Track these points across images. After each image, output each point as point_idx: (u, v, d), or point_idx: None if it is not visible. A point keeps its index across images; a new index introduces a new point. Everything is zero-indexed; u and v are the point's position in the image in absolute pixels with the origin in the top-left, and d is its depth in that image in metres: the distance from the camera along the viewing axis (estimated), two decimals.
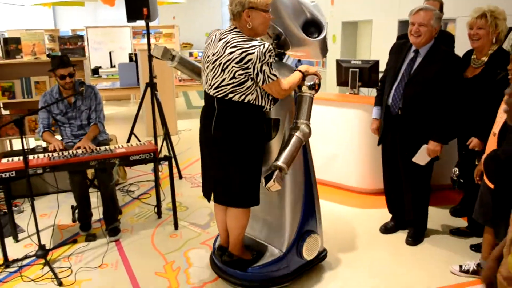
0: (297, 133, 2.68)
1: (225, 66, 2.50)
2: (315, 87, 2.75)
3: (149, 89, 4.89)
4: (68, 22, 15.63)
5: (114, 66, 10.04)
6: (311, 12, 2.86)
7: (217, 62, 2.55)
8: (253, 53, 2.42)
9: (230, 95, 2.54)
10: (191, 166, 5.57)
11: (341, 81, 4.73)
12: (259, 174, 2.71)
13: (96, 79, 8.74)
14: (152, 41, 10.75)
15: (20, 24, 12.80)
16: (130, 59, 8.97)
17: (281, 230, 2.95)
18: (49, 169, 3.29)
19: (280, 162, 2.61)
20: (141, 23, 4.79)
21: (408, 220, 3.57)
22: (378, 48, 7.28)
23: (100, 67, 9.48)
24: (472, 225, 3.54)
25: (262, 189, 2.75)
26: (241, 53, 2.44)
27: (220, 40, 2.57)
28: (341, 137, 4.42)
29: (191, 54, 14.11)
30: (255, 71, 2.46)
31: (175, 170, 4.95)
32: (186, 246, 3.53)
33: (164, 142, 5.05)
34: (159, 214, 4.07)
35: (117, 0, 12.32)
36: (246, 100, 2.54)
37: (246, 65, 2.45)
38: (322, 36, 2.84)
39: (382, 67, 4.51)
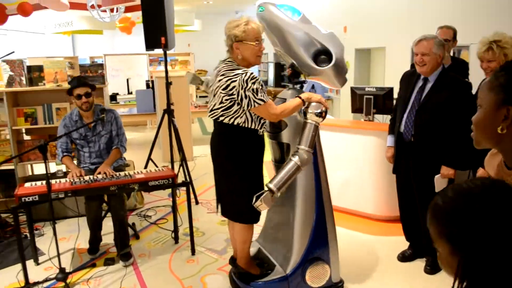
0: (295, 159, 2.78)
1: (215, 92, 2.82)
2: (321, 115, 2.82)
3: (166, 115, 5.00)
4: (87, 50, 16.04)
5: (131, 93, 10.23)
6: (321, 42, 2.95)
7: (211, 89, 2.89)
8: (235, 80, 2.69)
9: (220, 118, 2.81)
10: (207, 191, 5.62)
11: (356, 108, 4.79)
12: (256, 193, 2.79)
13: (114, 105, 8.91)
14: (168, 68, 10.98)
15: (40, 52, 13.17)
16: (147, 85, 9.16)
17: (288, 251, 3.04)
18: (71, 193, 3.37)
19: (271, 184, 2.76)
20: (157, 50, 4.93)
21: (426, 248, 3.56)
22: (391, 75, 7.35)
23: (117, 94, 9.68)
24: None
25: (277, 207, 2.90)
26: (226, 81, 2.73)
27: (216, 69, 2.90)
28: (357, 164, 4.45)
29: None
30: (239, 97, 2.70)
31: (191, 195, 5.00)
32: (203, 272, 3.56)
33: (181, 167, 5.13)
34: (176, 239, 4.11)
35: (134, 29, 12.69)
36: (235, 123, 2.78)
37: (230, 92, 2.71)
38: (330, 65, 2.90)
39: (397, 93, 4.58)
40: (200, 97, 13.72)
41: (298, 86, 3.14)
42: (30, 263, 3.64)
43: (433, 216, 1.10)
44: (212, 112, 2.85)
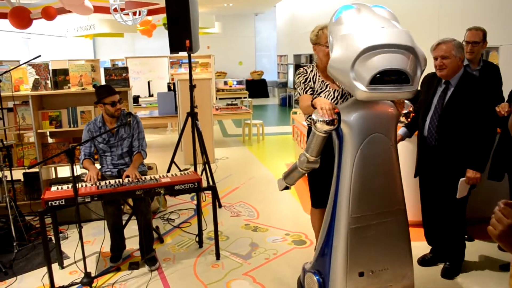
0: (298, 158, 2.91)
1: None
2: (322, 124, 2.57)
3: (190, 118, 4.97)
4: (107, 52, 16.20)
5: (152, 95, 10.28)
6: (332, 45, 2.68)
7: None
8: None
9: None
10: (229, 194, 5.58)
11: None
12: (318, 182, 3.17)
13: (136, 107, 8.97)
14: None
15: (61, 55, 13.35)
16: (169, 88, 9.17)
17: None
18: (97, 197, 3.36)
19: (284, 173, 3.08)
20: (179, 53, 4.92)
21: (447, 253, 3.51)
22: None
23: (139, 96, 9.72)
24: None
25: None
26: None
27: None
28: None
29: (225, 83, 14.35)
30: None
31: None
32: (228, 277, 3.51)
33: (203, 170, 5.10)
34: (200, 243, 4.08)
35: (154, 31, 12.76)
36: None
37: None
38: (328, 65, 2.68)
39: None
40: (220, 99, 13.73)
41: None
42: (54, 267, 3.63)
43: None
44: None
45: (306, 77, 3.12)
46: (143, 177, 3.64)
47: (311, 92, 3.09)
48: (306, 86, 3.10)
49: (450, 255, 3.46)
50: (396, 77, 2.40)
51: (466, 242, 3.60)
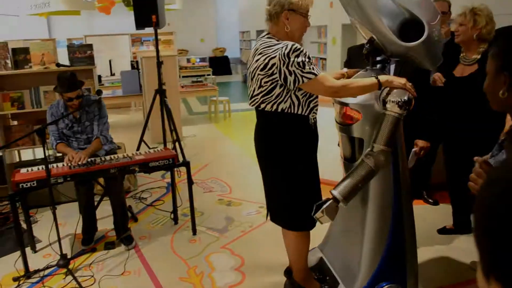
0: (368, 161, 2.27)
1: (253, 74, 2.40)
2: (406, 105, 2.24)
3: (158, 96, 4.90)
4: (64, 31, 15.58)
5: (114, 74, 10.02)
6: (410, 10, 2.25)
7: (249, 71, 2.48)
8: (275, 57, 2.26)
9: (262, 105, 2.40)
10: (200, 171, 5.58)
11: None
12: (310, 195, 2.46)
13: (99, 87, 8.72)
14: (150, 48, 10.76)
15: (15, 35, 12.75)
16: (132, 66, 8.96)
17: (354, 270, 2.52)
18: (70, 178, 3.29)
19: (336, 191, 2.27)
20: (139, 30, 4.83)
21: None
22: None
23: (100, 76, 9.44)
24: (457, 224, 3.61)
25: (346, 213, 2.52)
26: (264, 59, 2.31)
27: (254, 48, 2.47)
28: None
29: (188, 60, 14.15)
30: (282, 76, 2.26)
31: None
32: (206, 251, 3.54)
33: (174, 148, 5.06)
34: (175, 219, 4.07)
35: (113, 9, 12.35)
36: (279, 110, 2.35)
37: (270, 71, 2.28)
38: (420, 39, 2.20)
39: None
40: (183, 77, 13.53)
41: (378, 66, 2.53)
42: (27, 252, 3.50)
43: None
44: (252, 100, 2.43)
45: (307, 54, 2.29)
46: (114, 156, 3.58)
47: None
48: (314, 64, 2.30)
49: None
50: None
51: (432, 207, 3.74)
